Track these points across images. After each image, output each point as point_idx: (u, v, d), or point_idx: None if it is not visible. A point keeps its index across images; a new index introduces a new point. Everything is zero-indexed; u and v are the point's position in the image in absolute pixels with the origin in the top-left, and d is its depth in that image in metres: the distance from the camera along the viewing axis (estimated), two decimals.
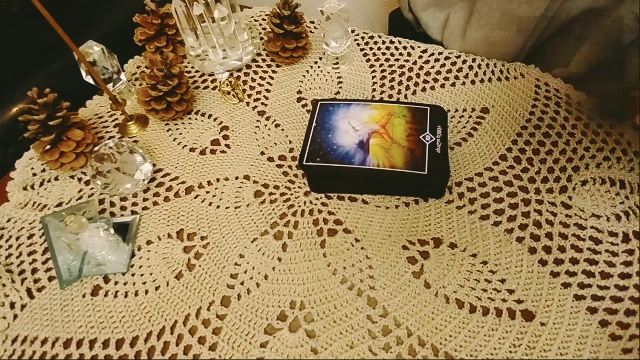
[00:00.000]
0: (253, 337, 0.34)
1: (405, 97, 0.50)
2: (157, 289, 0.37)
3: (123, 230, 0.41)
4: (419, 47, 0.55)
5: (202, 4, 0.48)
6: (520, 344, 0.32)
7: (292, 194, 0.43)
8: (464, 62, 0.52)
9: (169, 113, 0.49)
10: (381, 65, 0.54)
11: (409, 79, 0.52)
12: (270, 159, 0.46)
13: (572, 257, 0.36)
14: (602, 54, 0.45)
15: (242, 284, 0.37)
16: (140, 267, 0.39)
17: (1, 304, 0.38)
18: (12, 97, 0.52)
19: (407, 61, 0.54)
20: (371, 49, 0.56)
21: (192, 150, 0.48)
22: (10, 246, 0.42)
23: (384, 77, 0.52)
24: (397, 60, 0.54)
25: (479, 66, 0.51)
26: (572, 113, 0.45)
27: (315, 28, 0.61)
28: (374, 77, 0.53)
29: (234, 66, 0.55)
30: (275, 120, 0.50)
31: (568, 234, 0.37)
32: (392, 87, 0.51)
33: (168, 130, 0.50)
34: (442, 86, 0.50)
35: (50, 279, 0.39)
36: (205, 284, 0.37)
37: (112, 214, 0.43)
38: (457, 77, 0.51)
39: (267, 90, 0.53)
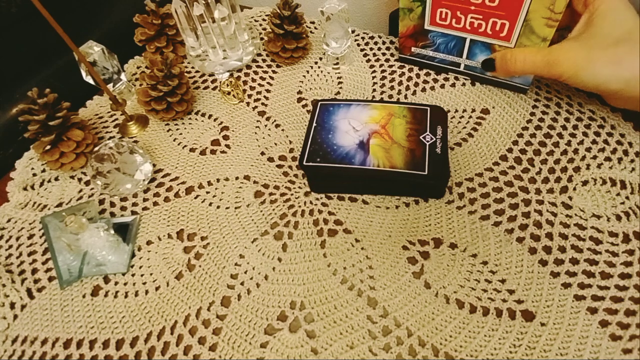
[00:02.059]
0: (253, 337, 0.34)
1: (405, 97, 0.50)
2: (157, 289, 0.37)
3: (123, 230, 0.41)
4: None
5: (202, 4, 0.48)
6: (520, 344, 0.32)
7: (292, 194, 0.43)
8: None
9: (169, 113, 0.49)
10: (381, 65, 0.54)
11: (409, 79, 0.52)
12: (270, 159, 0.46)
13: (572, 257, 0.36)
14: None
15: (242, 284, 0.37)
16: (140, 267, 0.39)
17: (1, 304, 0.38)
18: (12, 97, 0.52)
19: None
20: (371, 49, 0.56)
21: (192, 150, 0.48)
22: (10, 246, 0.42)
23: (384, 77, 0.52)
24: (397, 60, 0.54)
25: None
26: (573, 114, 0.45)
27: (315, 28, 0.61)
28: (374, 77, 0.53)
29: (234, 66, 0.55)
30: (275, 120, 0.50)
31: (568, 234, 0.37)
32: (392, 87, 0.51)
33: (168, 130, 0.50)
34: (442, 86, 0.50)
35: (50, 279, 0.39)
36: (205, 284, 0.37)
37: (112, 214, 0.43)
38: (457, 78, 0.51)
39: (267, 90, 0.53)
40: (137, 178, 0.43)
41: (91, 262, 0.39)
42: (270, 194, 0.43)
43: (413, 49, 0.50)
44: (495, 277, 0.35)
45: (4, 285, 0.38)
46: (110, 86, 0.51)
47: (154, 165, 0.46)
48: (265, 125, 0.49)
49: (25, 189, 0.46)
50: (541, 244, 0.37)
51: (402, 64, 0.53)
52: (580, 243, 0.36)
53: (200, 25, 0.50)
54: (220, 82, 0.53)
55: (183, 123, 0.51)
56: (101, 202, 0.44)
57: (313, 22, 0.61)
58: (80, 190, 0.45)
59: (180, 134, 0.50)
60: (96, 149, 0.41)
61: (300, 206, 0.42)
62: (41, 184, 0.46)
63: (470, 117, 0.47)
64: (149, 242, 0.41)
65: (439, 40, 0.48)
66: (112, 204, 0.44)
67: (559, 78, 0.38)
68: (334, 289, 0.36)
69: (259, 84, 0.54)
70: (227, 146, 0.48)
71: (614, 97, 0.40)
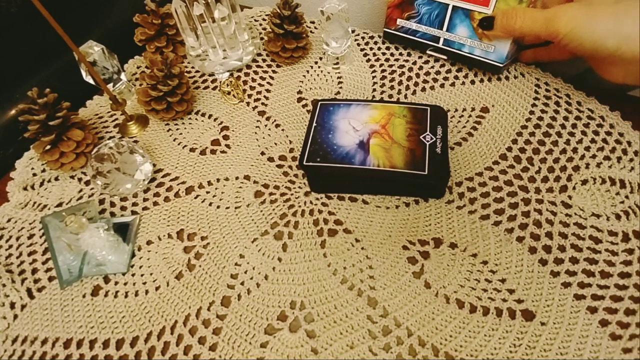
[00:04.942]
0: (253, 337, 0.34)
1: (405, 97, 0.50)
2: (157, 289, 0.38)
3: (123, 230, 0.41)
4: None
5: (202, 4, 0.49)
6: (520, 343, 0.32)
7: (292, 194, 0.43)
8: None
9: (169, 113, 0.49)
10: (381, 65, 0.54)
11: (409, 78, 0.52)
12: (270, 159, 0.46)
13: (572, 256, 0.36)
14: None
15: (242, 284, 0.37)
16: (140, 267, 0.39)
17: (1, 304, 0.38)
18: (12, 97, 0.52)
19: (407, 61, 0.54)
20: (371, 49, 0.56)
21: (192, 150, 0.48)
22: (10, 246, 0.42)
23: (384, 77, 0.52)
24: (397, 60, 0.54)
25: None
26: (572, 112, 0.45)
27: (316, 28, 0.61)
28: (374, 77, 0.53)
29: (234, 66, 0.55)
30: (275, 120, 0.50)
31: (568, 233, 0.37)
32: (392, 87, 0.51)
33: (168, 130, 0.50)
34: (442, 86, 0.50)
35: (50, 279, 0.39)
36: (205, 284, 0.37)
37: (112, 214, 0.43)
38: (456, 77, 0.51)
39: (267, 90, 0.53)
40: (137, 178, 0.43)
41: (91, 262, 0.39)
42: (270, 193, 0.43)
43: (398, 21, 0.52)
44: (495, 277, 0.35)
45: (4, 285, 0.38)
46: (110, 86, 0.51)
47: (154, 165, 0.46)
48: (265, 125, 0.49)
49: (25, 188, 0.46)
50: (541, 243, 0.37)
51: (387, 41, 0.56)
52: (580, 242, 0.36)
53: (200, 25, 0.50)
54: (220, 82, 0.53)
55: (183, 123, 0.51)
56: (101, 202, 0.44)
57: (313, 22, 0.61)
58: (80, 190, 0.45)
59: (180, 134, 0.50)
60: (96, 149, 0.41)
61: (300, 206, 0.42)
62: (41, 184, 0.46)
63: (470, 115, 0.47)
64: (149, 242, 0.41)
65: (424, 9, 0.50)
66: (112, 204, 0.44)
67: (557, 36, 0.38)
68: (334, 288, 0.36)
69: (259, 84, 0.54)
70: (227, 146, 0.48)
71: (609, 61, 0.39)
